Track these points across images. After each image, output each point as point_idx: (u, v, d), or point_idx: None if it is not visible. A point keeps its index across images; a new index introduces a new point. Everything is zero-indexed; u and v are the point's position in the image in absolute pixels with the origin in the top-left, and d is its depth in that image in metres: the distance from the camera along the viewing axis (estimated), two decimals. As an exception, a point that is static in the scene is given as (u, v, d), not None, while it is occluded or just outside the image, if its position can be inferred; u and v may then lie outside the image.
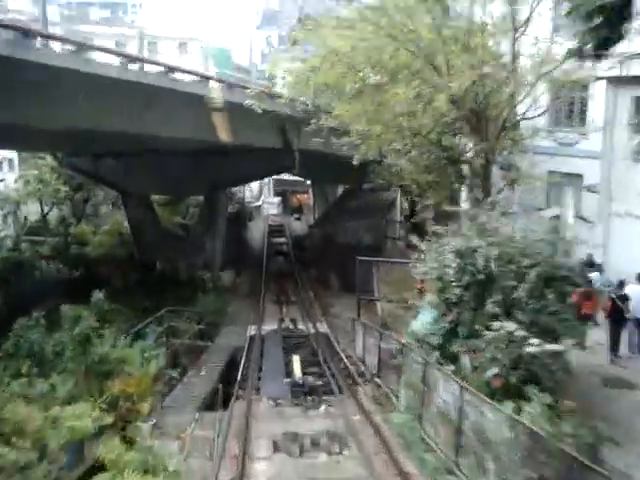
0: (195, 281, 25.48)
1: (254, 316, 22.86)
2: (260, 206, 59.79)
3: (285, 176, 72.99)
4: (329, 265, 34.64)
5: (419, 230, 30.99)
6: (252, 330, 20.18)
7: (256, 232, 45.34)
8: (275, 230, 45.67)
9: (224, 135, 20.64)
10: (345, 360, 16.87)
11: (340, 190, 60.58)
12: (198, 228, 27.93)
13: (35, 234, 31.03)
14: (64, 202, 32.74)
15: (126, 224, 30.56)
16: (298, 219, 53.87)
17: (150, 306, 22.97)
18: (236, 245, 36.61)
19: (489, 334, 9.63)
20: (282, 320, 21.91)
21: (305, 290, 28.30)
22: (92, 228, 32.67)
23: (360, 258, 18.96)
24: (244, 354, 17.37)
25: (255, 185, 65.89)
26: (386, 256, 30.95)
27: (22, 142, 25.00)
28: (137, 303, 23.23)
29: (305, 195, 65.64)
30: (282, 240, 41.98)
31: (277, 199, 66.36)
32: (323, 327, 20.76)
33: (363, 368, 15.81)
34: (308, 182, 68.86)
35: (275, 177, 73.19)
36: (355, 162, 19.64)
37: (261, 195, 65.88)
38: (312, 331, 20.43)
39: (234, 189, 44.69)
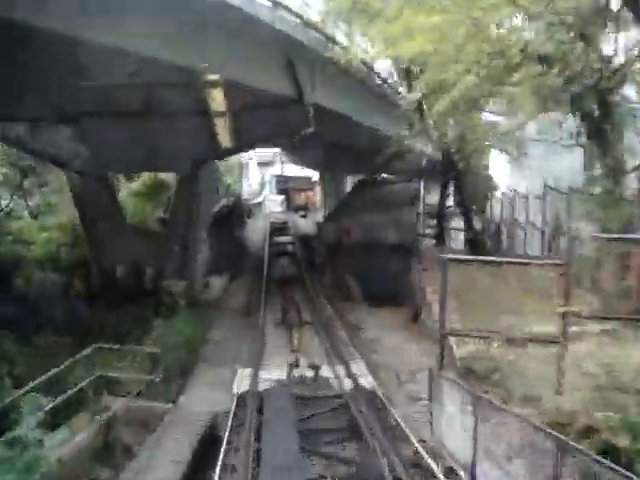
0: (163, 294, 16.88)
1: (248, 350, 14.24)
2: (261, 203, 51.35)
3: (288, 172, 65.09)
4: (346, 269, 26.18)
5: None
6: (243, 380, 11.53)
7: (256, 230, 36.85)
8: (278, 228, 37.17)
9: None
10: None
11: (349, 185, 52.66)
12: (173, 221, 19.33)
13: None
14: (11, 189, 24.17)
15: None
16: (304, 216, 45.37)
17: (96, 331, 14.70)
18: (230, 245, 28.15)
19: None
20: (295, 364, 12.40)
21: (320, 303, 19.79)
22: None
23: (451, 257, 10.02)
24: (225, 440, 8.81)
25: (255, 180, 57.52)
26: (425, 259, 22.45)
27: None
28: (75, 330, 14.83)
29: (310, 193, 57.23)
30: (286, 239, 33.47)
31: (280, 197, 58.09)
32: (363, 374, 11.90)
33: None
34: (313, 178, 60.95)
35: (277, 173, 65.32)
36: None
37: (262, 191, 57.47)
38: (346, 385, 11.47)
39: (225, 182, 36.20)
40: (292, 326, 15.88)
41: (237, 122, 16.45)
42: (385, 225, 28.04)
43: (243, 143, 17.54)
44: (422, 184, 35.91)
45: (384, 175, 39.02)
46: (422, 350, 13.34)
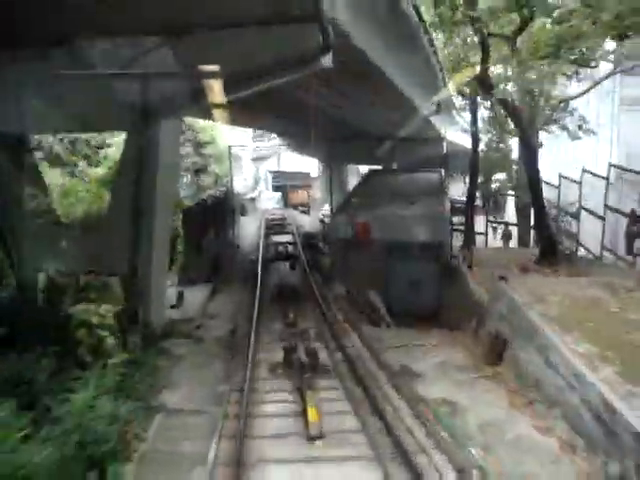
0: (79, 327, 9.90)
1: (227, 446, 7.39)
2: (255, 198, 44.60)
3: (285, 167, 58.33)
4: (365, 277, 19.61)
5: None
6: None
7: (249, 228, 29.99)
8: (276, 225, 30.41)
9: None
10: None
11: (351, 178, 45.97)
12: (114, 206, 12.35)
13: None
14: None
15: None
16: (305, 212, 38.65)
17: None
18: (215, 245, 21.38)
19: None
20: None
21: (340, 330, 13.00)
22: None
23: None
24: None
25: (249, 175, 50.71)
26: (479, 264, 15.98)
27: None
28: None
29: (308, 190, 50.49)
30: (286, 239, 26.72)
31: (276, 194, 51.41)
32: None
33: None
34: (312, 174, 54.47)
35: (273, 169, 58.55)
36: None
37: (256, 186, 50.73)
38: None
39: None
40: (301, 378, 9.11)
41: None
42: (411, 220, 21.36)
43: (230, 85, 10.74)
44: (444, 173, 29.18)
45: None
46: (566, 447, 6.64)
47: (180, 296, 16.86)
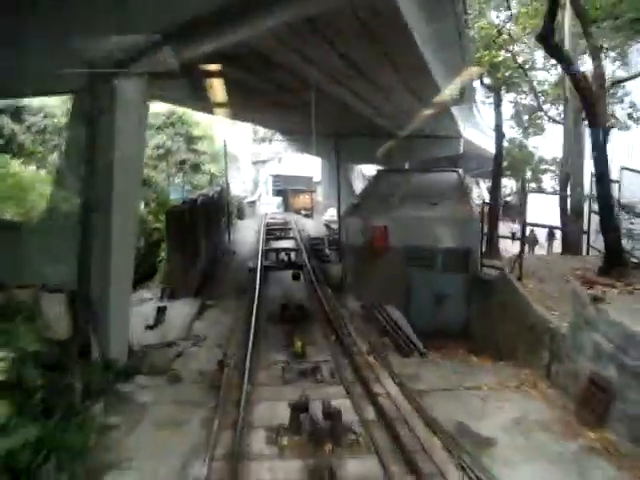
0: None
1: None
2: (255, 202, 41.26)
3: (286, 171, 54.94)
4: (381, 289, 16.40)
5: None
6: None
7: (247, 233, 26.57)
8: (277, 229, 26.99)
9: None
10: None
11: (357, 179, 42.69)
12: (55, 204, 8.94)
13: None
14: None
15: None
16: (308, 216, 35.30)
17: None
18: (206, 252, 18.01)
19: None
20: None
21: (362, 364, 9.58)
22: None
23: None
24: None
25: (248, 177, 47.43)
26: (527, 275, 12.62)
27: None
28: None
29: (310, 195, 47.17)
30: (289, 245, 23.36)
31: (276, 199, 48.07)
32: None
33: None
34: (314, 178, 51.23)
35: (274, 173, 55.21)
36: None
37: (256, 189, 47.45)
38: None
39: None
40: (320, 461, 5.73)
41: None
42: (436, 223, 18.04)
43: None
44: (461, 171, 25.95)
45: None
46: None
47: (160, 313, 13.50)
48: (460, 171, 24.20)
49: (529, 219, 36.82)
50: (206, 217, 19.02)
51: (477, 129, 34.06)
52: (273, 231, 26.22)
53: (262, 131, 65.22)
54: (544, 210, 30.65)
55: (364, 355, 10.14)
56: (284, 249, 21.38)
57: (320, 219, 32.85)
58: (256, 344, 10.62)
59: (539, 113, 23.71)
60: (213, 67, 12.79)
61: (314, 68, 13.94)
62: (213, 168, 27.18)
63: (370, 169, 49.15)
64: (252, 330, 11.28)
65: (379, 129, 26.60)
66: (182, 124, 23.24)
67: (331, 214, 43.40)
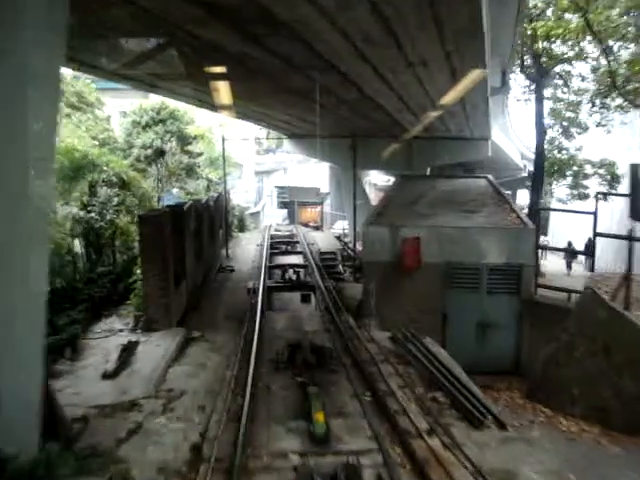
0: None
1: None
2: (259, 213, 37.77)
3: (291, 182, 51.54)
4: (414, 315, 12.74)
5: None
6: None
7: (249, 247, 22.87)
8: (282, 242, 23.32)
9: None
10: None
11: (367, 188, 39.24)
12: None
13: None
14: None
15: None
16: (317, 228, 31.63)
17: None
18: (196, 270, 14.36)
19: None
20: None
21: (419, 451, 5.86)
22: None
23: None
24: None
25: (252, 187, 44.00)
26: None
27: None
28: None
29: (317, 208, 43.78)
30: (297, 260, 19.70)
31: (281, 212, 44.72)
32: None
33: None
34: (322, 189, 47.93)
35: (279, 184, 51.83)
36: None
37: (260, 200, 44.01)
38: None
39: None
40: None
41: None
42: (481, 234, 14.39)
43: None
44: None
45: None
46: None
47: (126, 353, 9.81)
48: (490, 177, 20.64)
49: (553, 233, 33.06)
50: (197, 227, 15.41)
51: (504, 133, 30.49)
52: (278, 245, 22.56)
53: (266, 142, 62.64)
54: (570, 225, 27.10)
55: (421, 434, 6.38)
56: (291, 265, 17.70)
57: (329, 232, 29.20)
58: (254, 410, 6.91)
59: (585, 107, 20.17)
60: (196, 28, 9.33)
61: (337, 35, 10.40)
62: (212, 174, 23.65)
63: (379, 178, 45.68)
64: (249, 386, 7.57)
65: (398, 129, 23.08)
66: (174, 121, 19.79)
67: (341, 227, 39.88)
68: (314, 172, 50.77)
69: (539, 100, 17.90)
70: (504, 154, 31.54)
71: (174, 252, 12.29)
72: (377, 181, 45.28)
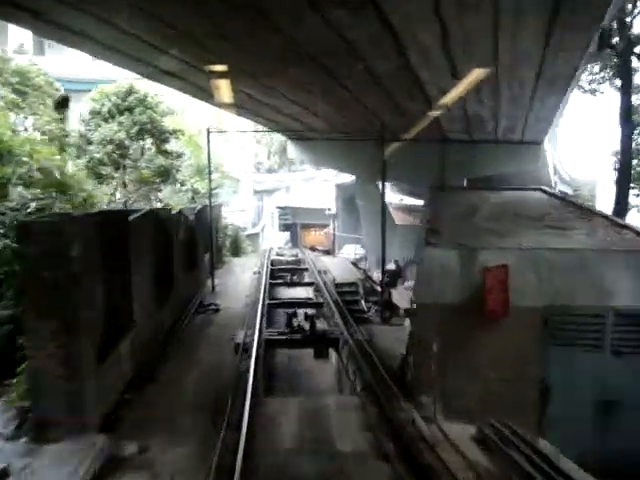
0: None
1: None
2: (258, 234, 32.51)
3: (294, 202, 46.38)
4: (498, 391, 7.02)
5: None
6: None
7: (243, 276, 17.35)
8: (286, 270, 17.88)
9: None
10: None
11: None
12: None
13: None
14: None
15: None
16: (328, 253, 26.18)
17: None
18: (151, 317, 8.95)
19: None
20: None
21: None
22: None
23: None
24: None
25: (251, 206, 38.80)
26: None
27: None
28: None
29: (324, 230, 38.68)
30: (305, 294, 14.22)
31: (283, 235, 39.68)
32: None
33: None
34: (328, 210, 42.86)
35: (281, 205, 46.67)
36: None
37: (259, 221, 38.86)
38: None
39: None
40: None
41: None
42: (601, 263, 8.99)
43: None
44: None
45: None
46: None
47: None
48: (546, 188, 15.52)
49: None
50: (163, 248, 10.04)
51: (550, 136, 25.30)
52: (281, 273, 17.18)
53: (268, 162, 57.75)
54: None
55: None
56: (299, 303, 12.27)
57: (343, 258, 23.79)
58: None
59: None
60: None
61: None
62: (198, 184, 18.46)
63: (392, 197, 40.47)
64: None
65: (432, 128, 17.99)
66: (145, 109, 14.67)
67: (351, 251, 34.44)
68: (319, 191, 45.73)
69: (626, 82, 12.73)
70: (544, 165, 26.28)
71: (107, 290, 6.91)
72: (391, 199, 40.04)
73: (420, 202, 23.24)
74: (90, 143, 14.38)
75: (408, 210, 27.89)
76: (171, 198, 16.61)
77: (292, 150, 22.53)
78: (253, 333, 9.78)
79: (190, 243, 12.98)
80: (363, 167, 21.32)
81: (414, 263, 22.16)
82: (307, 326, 9.86)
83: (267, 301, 12.77)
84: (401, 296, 15.71)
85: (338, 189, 46.38)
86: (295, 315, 10.23)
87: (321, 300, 13.27)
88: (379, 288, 16.33)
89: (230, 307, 12.81)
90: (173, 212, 11.65)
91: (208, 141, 13.96)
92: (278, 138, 53.09)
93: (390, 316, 13.63)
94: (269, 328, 10.37)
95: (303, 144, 21.57)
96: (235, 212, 30.40)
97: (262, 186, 44.73)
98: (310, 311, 10.73)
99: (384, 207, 15.24)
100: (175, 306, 11.01)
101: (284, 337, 9.76)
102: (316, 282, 15.28)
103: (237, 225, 25.42)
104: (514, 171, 20.23)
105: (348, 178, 49.71)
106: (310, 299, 13.39)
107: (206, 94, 12.65)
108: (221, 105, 13.56)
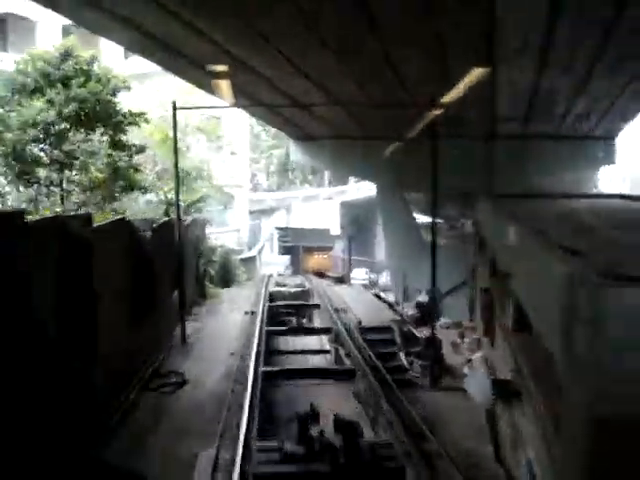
0: None
1: None
2: (255, 258, 27.60)
3: (295, 223, 41.72)
4: None
5: None
6: None
7: (231, 315, 12.35)
8: (290, 308, 12.81)
9: None
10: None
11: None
12: None
13: None
14: None
15: None
16: (341, 280, 20.99)
17: None
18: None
19: None
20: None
21: None
22: None
23: None
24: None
25: (245, 226, 33.93)
26: None
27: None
28: None
29: (328, 254, 33.97)
30: (317, 344, 9.13)
31: (283, 259, 34.93)
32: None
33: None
34: (333, 232, 38.32)
35: (280, 226, 41.96)
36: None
37: (256, 243, 33.98)
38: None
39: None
40: None
41: None
42: None
43: None
44: None
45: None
46: None
47: None
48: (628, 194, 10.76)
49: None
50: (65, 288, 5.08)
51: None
52: (283, 312, 12.17)
53: (266, 183, 53.20)
54: None
55: None
56: (316, 372, 7.26)
57: (360, 287, 18.78)
58: None
59: None
60: None
61: None
62: (184, 196, 13.59)
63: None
64: None
65: (483, 121, 13.28)
66: (87, 81, 9.88)
67: (361, 276, 29.47)
68: (322, 210, 41.07)
69: None
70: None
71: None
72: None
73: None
74: (7, 127, 9.63)
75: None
76: (141, 211, 11.78)
77: (294, 151, 17.68)
78: (233, 454, 4.76)
79: (143, 275, 8.07)
80: (385, 172, 16.52)
81: (452, 294, 17.23)
82: (338, 441, 4.82)
83: (262, 366, 7.75)
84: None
85: (343, 207, 41.69)
86: (313, 417, 5.15)
87: (348, 363, 8.28)
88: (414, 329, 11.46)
89: (203, 378, 7.72)
90: (104, 224, 6.75)
91: (174, 117, 9.14)
92: (278, 156, 48.82)
93: (440, 374, 9.14)
94: (264, 438, 5.36)
95: (309, 145, 16.77)
96: (229, 232, 25.53)
97: (260, 205, 40.02)
98: (343, 413, 5.54)
99: (434, 225, 10.25)
100: (101, 388, 6.03)
101: (295, 468, 4.70)
102: (337, 328, 10.22)
103: (229, 247, 20.42)
104: (582, 172, 15.52)
105: (353, 195, 45.36)
106: (334, 369, 8.45)
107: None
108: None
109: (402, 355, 10.41)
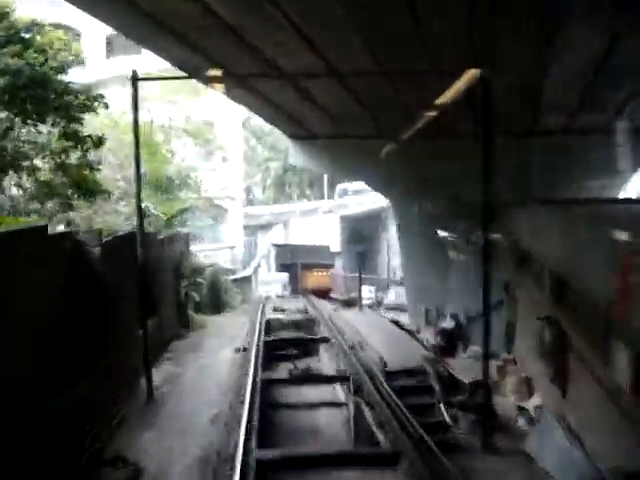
0: None
1: None
2: (250, 277, 24.94)
3: (293, 239, 39.08)
4: None
5: None
6: None
7: (218, 354, 9.68)
8: (290, 343, 10.10)
9: None
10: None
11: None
12: None
13: None
14: None
15: None
16: (349, 304, 18.20)
17: None
18: None
19: None
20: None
21: None
22: None
23: None
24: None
25: (239, 241, 31.36)
26: None
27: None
28: None
29: (328, 272, 31.66)
30: (326, 392, 6.46)
31: (281, 276, 32.45)
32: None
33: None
34: (333, 249, 36.02)
35: (278, 242, 39.48)
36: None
37: (251, 260, 31.39)
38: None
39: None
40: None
41: None
42: None
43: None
44: None
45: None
46: None
47: None
48: None
49: None
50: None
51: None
52: (283, 351, 9.51)
53: (261, 196, 50.79)
54: None
55: None
56: (332, 460, 4.62)
57: (375, 313, 16.09)
58: None
59: None
60: None
61: None
62: (153, 201, 11.04)
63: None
64: None
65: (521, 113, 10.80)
66: (26, 49, 7.36)
67: (365, 295, 26.78)
68: (321, 225, 38.60)
69: None
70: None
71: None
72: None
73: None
74: None
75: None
76: (117, 224, 9.16)
77: (293, 153, 15.09)
78: None
79: (85, 308, 5.48)
80: (401, 178, 13.89)
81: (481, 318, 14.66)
82: None
83: (256, 448, 5.07)
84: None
85: (343, 221, 39.16)
86: None
87: (382, 437, 5.63)
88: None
89: (166, 467, 5.03)
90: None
91: (135, 91, 6.63)
92: (275, 168, 46.53)
93: (492, 431, 6.80)
94: None
95: (309, 146, 14.20)
96: (222, 249, 22.85)
97: (256, 221, 37.46)
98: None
99: (487, 241, 7.52)
100: None
101: None
102: (358, 376, 7.51)
103: (220, 266, 17.72)
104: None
105: (354, 209, 42.90)
106: (372, 455, 5.76)
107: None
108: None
109: (442, 407, 7.79)
